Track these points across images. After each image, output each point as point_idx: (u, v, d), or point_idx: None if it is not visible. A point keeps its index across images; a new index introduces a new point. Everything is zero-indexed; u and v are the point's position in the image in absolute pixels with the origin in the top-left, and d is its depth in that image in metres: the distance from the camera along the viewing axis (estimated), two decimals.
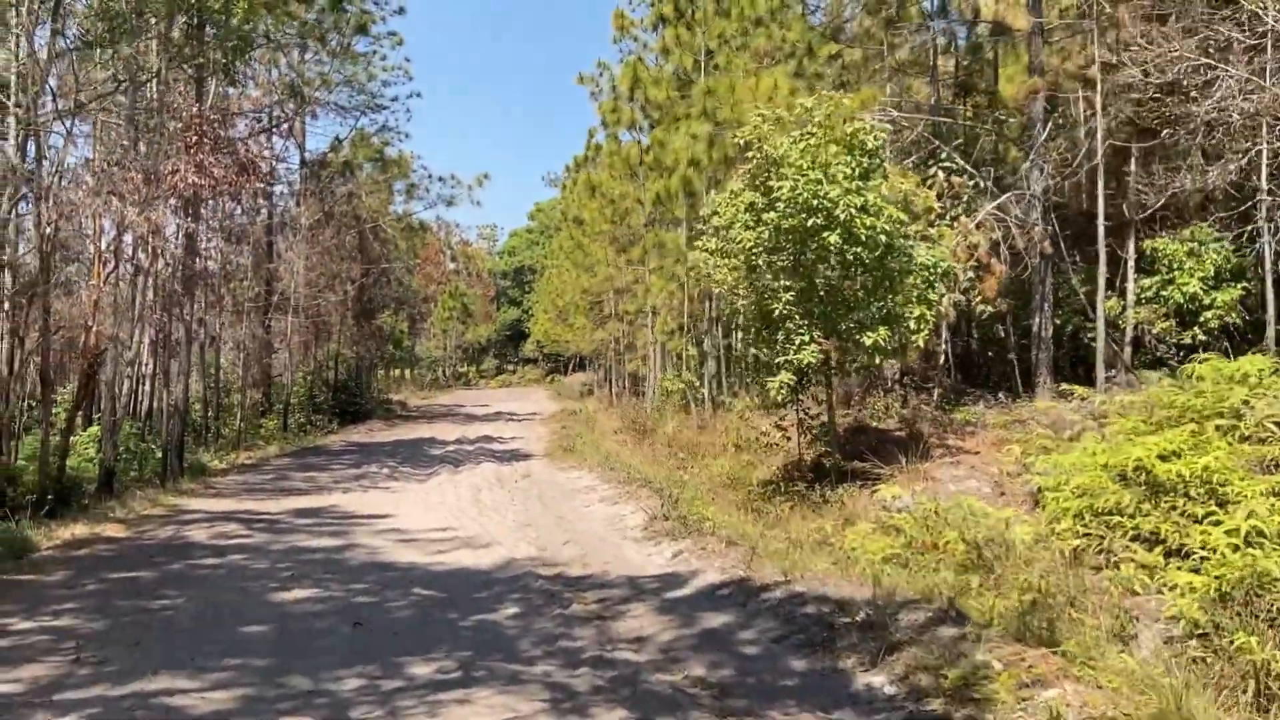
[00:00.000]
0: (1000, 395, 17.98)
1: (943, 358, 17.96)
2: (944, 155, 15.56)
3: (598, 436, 24.70)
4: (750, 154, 11.91)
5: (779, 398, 11.72)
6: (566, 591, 8.00)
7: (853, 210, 10.92)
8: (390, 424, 34.16)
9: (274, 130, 32.22)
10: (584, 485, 15.42)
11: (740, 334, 13.17)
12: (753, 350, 13.94)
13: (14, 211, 14.03)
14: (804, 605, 6.63)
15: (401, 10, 31.08)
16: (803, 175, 11.22)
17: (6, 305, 13.43)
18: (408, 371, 69.40)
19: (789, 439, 13.24)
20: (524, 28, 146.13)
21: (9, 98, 14.18)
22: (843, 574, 7.47)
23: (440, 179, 35.42)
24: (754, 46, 20.87)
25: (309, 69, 31.33)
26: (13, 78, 14.05)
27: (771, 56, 18.86)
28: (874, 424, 15.18)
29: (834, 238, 11.03)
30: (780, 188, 11.25)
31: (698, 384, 24.67)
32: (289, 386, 31.12)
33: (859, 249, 11.34)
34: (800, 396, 12.56)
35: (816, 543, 10.57)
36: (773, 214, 11.59)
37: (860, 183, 11.28)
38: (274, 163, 32.62)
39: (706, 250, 12.24)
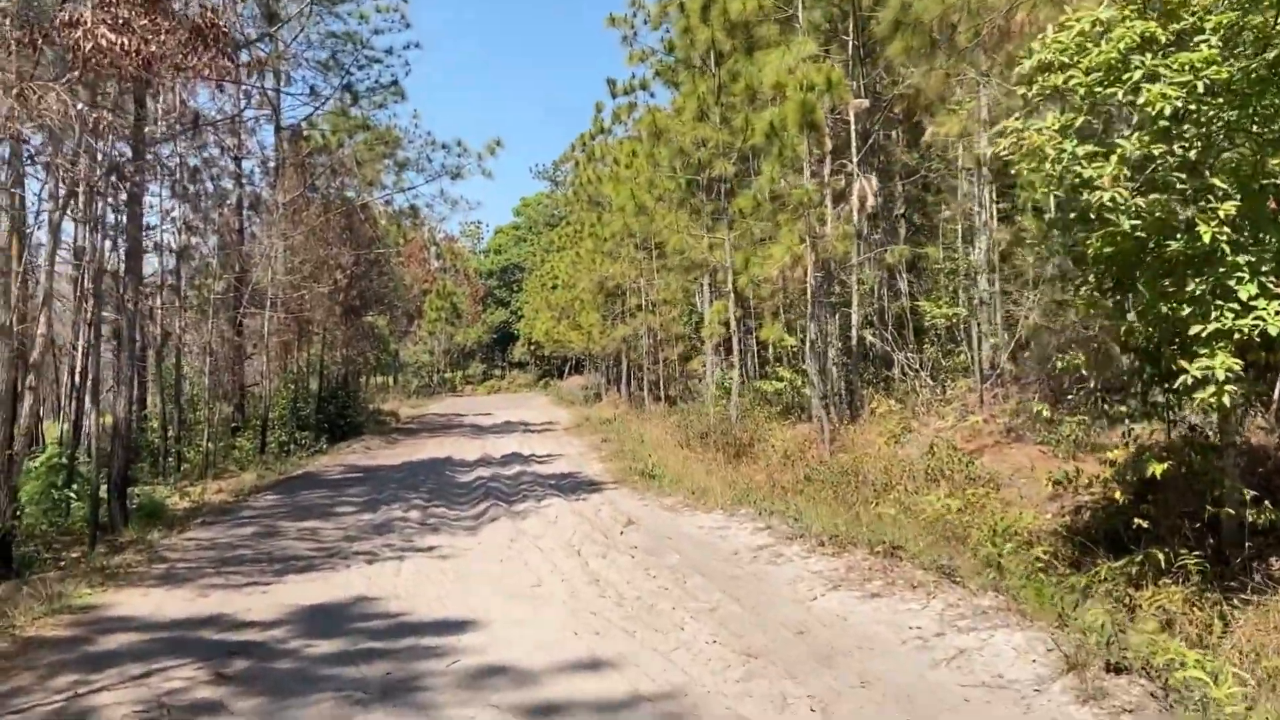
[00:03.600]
0: None
1: None
2: None
3: (664, 453, 19.20)
4: None
5: (1216, 400, 6.29)
6: None
7: None
8: (390, 440, 28.44)
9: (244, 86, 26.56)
10: (746, 542, 9.87)
11: (1083, 287, 7.55)
12: (1103, 317, 8.36)
13: None
14: None
15: None
16: None
17: None
18: (391, 378, 63.58)
19: (1155, 473, 7.71)
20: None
21: None
22: None
23: (444, 146, 29.67)
24: None
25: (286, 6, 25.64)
26: None
27: None
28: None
29: None
30: None
31: (803, 384, 19.21)
32: (267, 398, 25.32)
33: None
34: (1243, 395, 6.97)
35: None
36: (1201, 52, 6.13)
37: None
38: (243, 128, 26.96)
39: (1048, 130, 6.71)
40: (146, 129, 12.94)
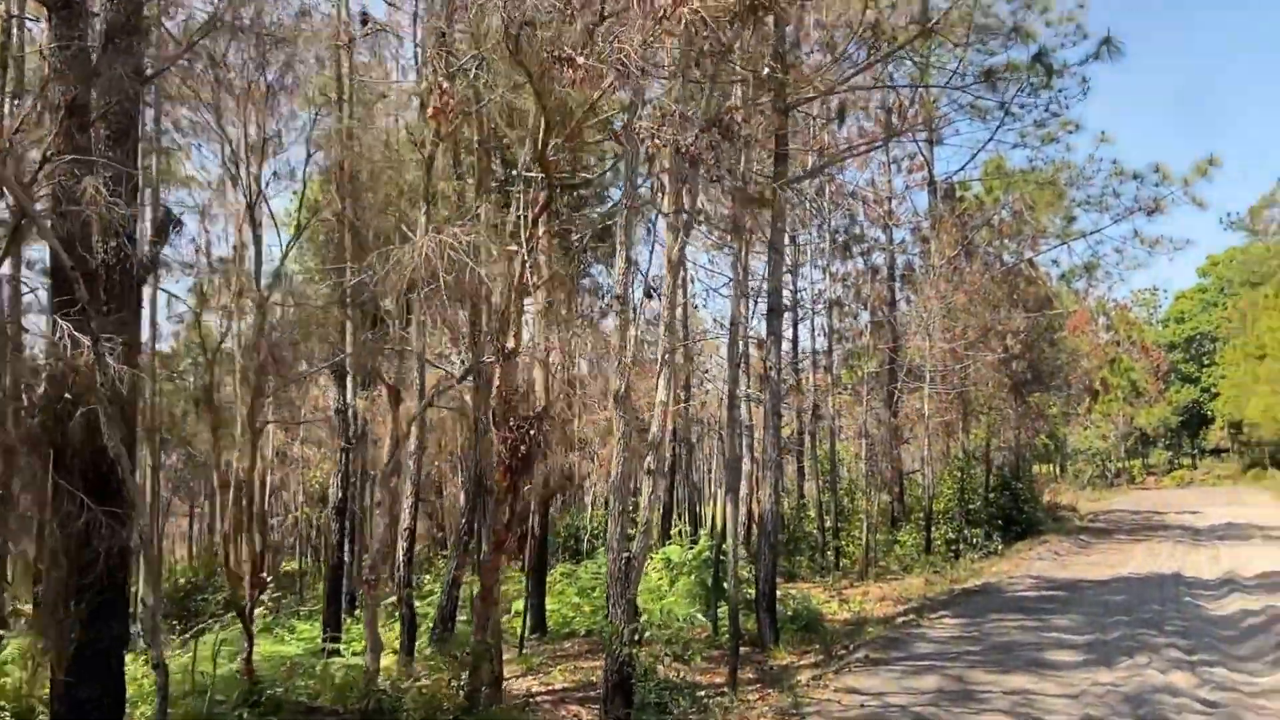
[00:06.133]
0: None
1: None
2: None
3: None
4: None
5: None
6: None
7: None
8: (1079, 543, 22.91)
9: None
10: None
11: None
12: None
13: None
14: None
15: None
16: None
17: None
18: (1057, 467, 56.53)
19: None
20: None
21: None
22: None
23: (1136, 176, 23.60)
24: None
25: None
26: None
27: None
28: None
29: None
30: None
31: None
32: (929, 487, 21.80)
33: None
34: None
35: None
36: None
37: None
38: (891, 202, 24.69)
39: None
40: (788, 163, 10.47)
